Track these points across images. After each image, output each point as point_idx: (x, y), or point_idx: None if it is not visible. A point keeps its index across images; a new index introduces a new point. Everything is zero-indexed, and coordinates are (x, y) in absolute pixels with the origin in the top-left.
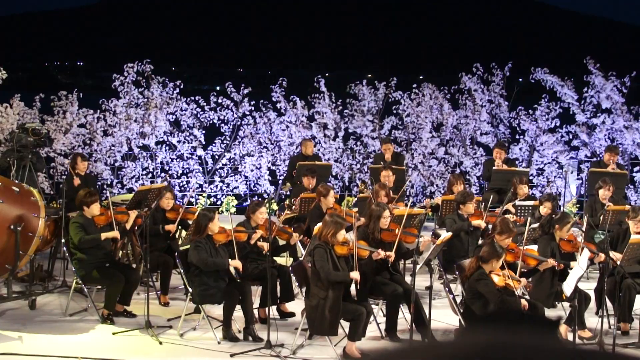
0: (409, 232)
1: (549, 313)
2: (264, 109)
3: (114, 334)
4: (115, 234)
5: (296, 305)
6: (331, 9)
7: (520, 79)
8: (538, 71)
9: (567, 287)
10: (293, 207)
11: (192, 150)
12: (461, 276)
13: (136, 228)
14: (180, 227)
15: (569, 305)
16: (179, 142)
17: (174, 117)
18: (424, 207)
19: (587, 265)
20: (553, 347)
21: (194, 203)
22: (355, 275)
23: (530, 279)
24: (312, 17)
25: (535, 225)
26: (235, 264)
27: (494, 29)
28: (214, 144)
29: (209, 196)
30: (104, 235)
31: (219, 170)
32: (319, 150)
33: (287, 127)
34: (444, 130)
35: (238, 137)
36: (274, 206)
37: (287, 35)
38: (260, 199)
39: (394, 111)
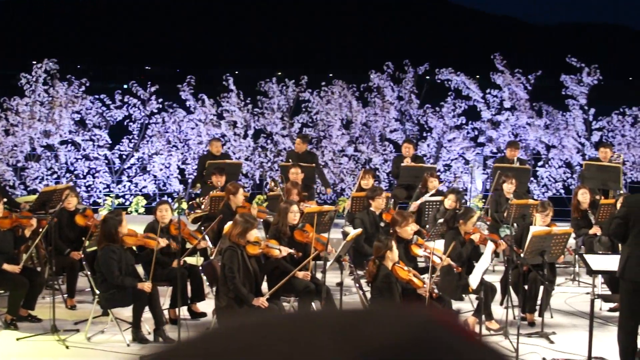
0: (320, 239)
1: (456, 305)
2: (170, 110)
3: (17, 339)
4: (16, 269)
5: (207, 305)
6: (239, 7)
7: (428, 77)
8: (443, 72)
9: (473, 280)
10: (202, 205)
11: (98, 149)
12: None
13: (41, 230)
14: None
15: (475, 298)
16: (84, 141)
17: (79, 115)
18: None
19: (491, 258)
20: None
21: (101, 204)
22: (258, 302)
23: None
24: (221, 15)
25: (441, 220)
26: (144, 286)
27: (404, 27)
28: (121, 143)
29: (117, 196)
30: (6, 266)
31: (126, 170)
32: (229, 148)
33: (197, 125)
34: (353, 128)
35: (146, 135)
36: (184, 205)
37: (196, 33)
38: (169, 199)
39: (304, 109)
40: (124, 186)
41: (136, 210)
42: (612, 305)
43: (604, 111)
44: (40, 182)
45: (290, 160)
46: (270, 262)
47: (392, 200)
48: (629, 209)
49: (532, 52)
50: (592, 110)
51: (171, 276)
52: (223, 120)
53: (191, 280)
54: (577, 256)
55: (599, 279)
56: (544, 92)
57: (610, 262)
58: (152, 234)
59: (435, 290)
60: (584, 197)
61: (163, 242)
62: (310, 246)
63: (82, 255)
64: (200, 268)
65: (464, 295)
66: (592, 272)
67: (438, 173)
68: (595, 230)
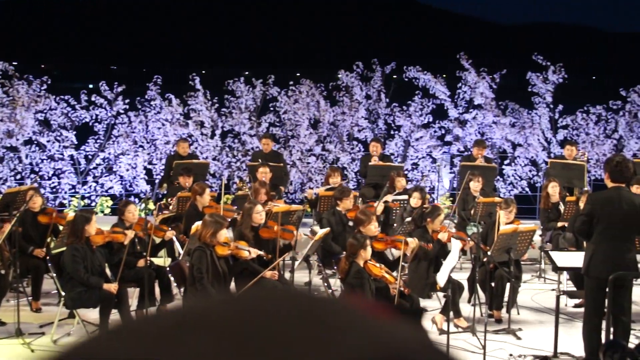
0: (286, 229)
1: (424, 303)
2: (140, 106)
3: None
4: None
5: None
6: (204, 5)
7: (395, 76)
8: (411, 69)
9: (441, 278)
10: (170, 207)
11: (64, 150)
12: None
13: (4, 232)
14: (52, 233)
15: (443, 295)
16: (48, 142)
17: (43, 115)
18: (304, 200)
19: (459, 256)
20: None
21: (67, 205)
22: None
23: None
24: (184, 14)
25: (409, 218)
26: (110, 287)
27: (372, 26)
28: (87, 144)
29: (82, 197)
30: None
31: (92, 171)
32: (196, 148)
33: (163, 125)
34: (321, 127)
35: (112, 136)
36: (151, 205)
37: (161, 32)
38: (136, 199)
39: (272, 108)
40: (90, 187)
41: (102, 211)
42: (577, 301)
43: (569, 110)
44: (3, 184)
45: (257, 160)
46: (239, 264)
47: (360, 199)
48: (593, 206)
49: (498, 51)
50: (560, 107)
51: (138, 277)
52: (190, 120)
53: (159, 281)
54: (543, 253)
55: (565, 275)
56: (510, 91)
57: (575, 259)
58: (117, 227)
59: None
60: (554, 190)
61: (131, 233)
62: (278, 240)
63: (47, 256)
64: (168, 269)
65: (431, 293)
66: (557, 269)
67: (405, 172)
68: (563, 223)
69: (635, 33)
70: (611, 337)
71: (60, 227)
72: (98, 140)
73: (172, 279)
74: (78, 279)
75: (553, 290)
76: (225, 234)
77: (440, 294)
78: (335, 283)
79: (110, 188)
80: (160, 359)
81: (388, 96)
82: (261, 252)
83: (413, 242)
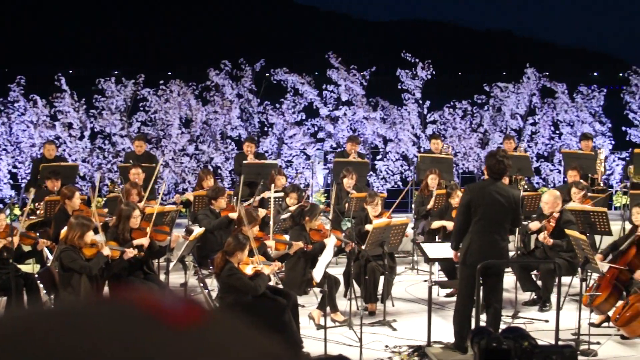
0: (160, 229)
1: (302, 299)
2: (2, 108)
3: None
4: None
5: None
6: (68, 3)
7: (268, 74)
8: (278, 72)
9: (317, 274)
10: (38, 211)
11: None
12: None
13: None
14: None
15: (319, 291)
16: None
17: None
18: (174, 204)
19: (334, 252)
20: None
21: None
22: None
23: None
24: (49, 10)
25: (286, 215)
26: None
27: (239, 23)
28: None
29: None
30: None
31: None
32: (64, 150)
33: (28, 127)
34: (194, 127)
35: None
36: (17, 211)
37: (25, 30)
38: (0, 205)
39: (142, 108)
40: None
41: None
42: (448, 291)
43: (437, 105)
44: None
45: (129, 161)
46: (116, 264)
47: (235, 198)
48: (472, 195)
49: (368, 48)
50: (428, 103)
51: (5, 286)
52: (57, 121)
53: (27, 289)
54: (415, 245)
55: (436, 266)
56: (380, 87)
57: (446, 250)
58: None
59: (280, 285)
60: (433, 181)
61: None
62: (152, 242)
63: None
64: (37, 276)
65: (308, 289)
66: (429, 260)
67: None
68: (431, 207)
69: (496, 30)
70: (483, 323)
71: None
72: None
73: (41, 286)
74: None
75: (425, 281)
76: (92, 235)
77: (317, 289)
78: (212, 283)
79: None
80: None
81: (259, 95)
82: (135, 251)
83: (295, 245)
